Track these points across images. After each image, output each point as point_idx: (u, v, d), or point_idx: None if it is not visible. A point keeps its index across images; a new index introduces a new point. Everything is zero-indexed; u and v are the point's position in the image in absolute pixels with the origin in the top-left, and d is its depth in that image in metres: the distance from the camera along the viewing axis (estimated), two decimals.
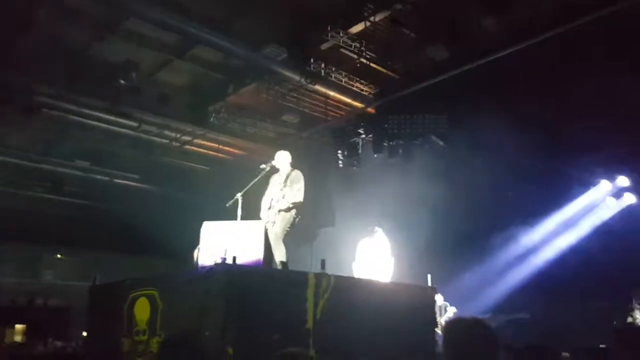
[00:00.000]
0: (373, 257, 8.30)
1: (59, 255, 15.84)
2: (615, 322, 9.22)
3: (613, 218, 10.64)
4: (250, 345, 4.57)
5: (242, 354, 4.53)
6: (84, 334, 8.02)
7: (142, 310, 5.38)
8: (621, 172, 10.60)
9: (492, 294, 11.17)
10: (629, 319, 9.21)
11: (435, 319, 6.83)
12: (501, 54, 8.37)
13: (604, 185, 10.83)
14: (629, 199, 10.68)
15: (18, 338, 12.90)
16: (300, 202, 6.40)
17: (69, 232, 13.69)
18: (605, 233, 10.23)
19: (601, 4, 7.25)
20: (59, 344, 12.19)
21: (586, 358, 7.53)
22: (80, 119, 10.46)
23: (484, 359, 2.05)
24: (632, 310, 9.18)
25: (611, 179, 10.74)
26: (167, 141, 11.96)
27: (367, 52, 9.20)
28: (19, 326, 13.25)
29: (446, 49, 8.32)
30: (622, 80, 7.58)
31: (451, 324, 2.17)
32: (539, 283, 10.52)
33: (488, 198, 10.29)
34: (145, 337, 5.22)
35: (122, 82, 9.18)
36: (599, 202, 10.89)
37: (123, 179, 13.45)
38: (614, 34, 7.65)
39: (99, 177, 13.13)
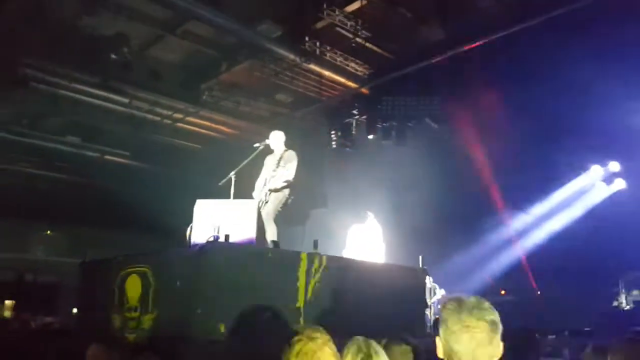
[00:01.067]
0: (364, 242, 8.33)
1: (48, 232, 15.77)
2: (600, 306, 9.37)
3: (603, 203, 10.74)
4: (241, 322, 4.59)
5: (233, 331, 4.55)
6: (74, 310, 8.02)
7: (133, 287, 5.37)
8: (612, 158, 10.67)
9: (480, 277, 11.30)
10: (614, 303, 9.36)
11: (425, 300, 6.89)
12: (496, 36, 8.32)
13: (595, 171, 10.90)
14: (619, 184, 10.77)
15: (7, 313, 12.91)
16: (291, 181, 6.38)
17: (59, 208, 13.60)
18: (594, 218, 10.33)
19: None
20: (47, 319, 12.20)
21: (571, 341, 7.65)
22: (71, 94, 10.29)
23: None
24: (618, 294, 9.33)
25: (602, 164, 10.82)
26: (159, 118, 11.83)
27: (363, 32, 9.11)
28: (8, 302, 13.25)
29: (442, 30, 8.27)
30: (619, 64, 7.58)
31: (449, 303, 2.17)
32: (527, 266, 10.65)
33: (479, 182, 10.33)
34: (137, 314, 5.22)
35: (113, 57, 9.04)
36: (590, 187, 10.98)
37: (114, 156, 13.33)
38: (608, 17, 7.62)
39: (89, 153, 12.98)
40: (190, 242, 5.54)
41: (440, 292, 9.83)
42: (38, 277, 14.85)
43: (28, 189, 13.24)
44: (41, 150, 12.64)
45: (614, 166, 10.74)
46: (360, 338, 2.63)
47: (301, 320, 5.12)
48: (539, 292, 10.74)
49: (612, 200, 10.62)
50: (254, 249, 5.45)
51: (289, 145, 6.76)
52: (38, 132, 12.15)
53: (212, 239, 4.95)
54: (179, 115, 11.83)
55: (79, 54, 9.30)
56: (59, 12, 8.52)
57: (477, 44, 8.54)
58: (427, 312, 7.24)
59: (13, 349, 5.49)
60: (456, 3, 8.12)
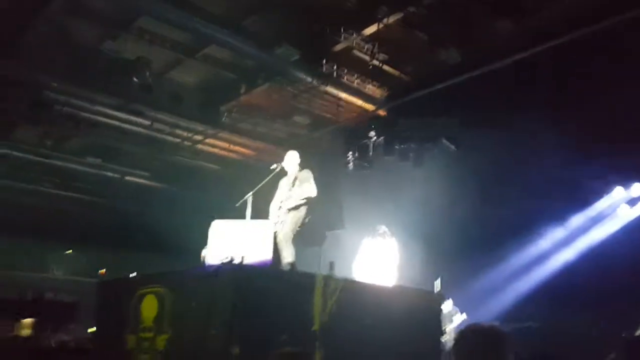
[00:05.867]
0: (376, 258, 8.23)
1: (68, 251, 15.95)
2: (624, 334, 9.08)
3: (626, 226, 10.50)
4: (256, 345, 4.55)
5: (248, 354, 4.51)
6: (92, 329, 8.06)
7: (149, 307, 5.38)
8: (636, 180, 10.46)
9: (501, 302, 11.07)
10: (639, 332, 9.07)
11: (440, 325, 6.77)
12: (514, 59, 8.30)
13: (618, 193, 10.69)
14: None
15: (27, 332, 12.99)
16: (312, 198, 6.35)
17: (78, 229, 13.78)
18: (617, 242, 10.10)
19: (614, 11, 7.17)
20: (65, 338, 12.26)
21: None
22: (92, 116, 10.51)
23: None
24: None
25: (626, 186, 10.61)
26: (179, 140, 11.99)
27: (380, 54, 9.16)
28: (27, 320, 13.34)
29: (459, 53, 8.28)
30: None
31: (467, 331, 2.15)
32: (549, 291, 10.41)
33: (499, 205, 10.20)
34: (152, 334, 5.22)
35: (135, 80, 9.22)
36: (613, 210, 10.75)
37: (134, 177, 13.51)
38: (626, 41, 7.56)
39: (109, 174, 13.20)
40: (205, 262, 5.55)
41: (461, 317, 9.64)
42: (57, 296, 14.97)
43: (49, 209, 13.45)
44: (63, 171, 12.89)
45: (638, 189, 10.52)
46: None
47: (317, 344, 5.07)
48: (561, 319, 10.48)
49: (636, 224, 10.38)
50: (270, 271, 5.44)
51: (304, 166, 6.77)
52: (60, 153, 12.42)
53: (227, 260, 4.95)
54: (198, 137, 11.97)
55: (101, 77, 9.51)
56: (82, 36, 8.75)
57: (494, 66, 8.52)
58: (443, 339, 7.08)
59: None
60: (473, 26, 8.14)
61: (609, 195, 10.73)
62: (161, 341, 5.11)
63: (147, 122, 11.01)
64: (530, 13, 7.64)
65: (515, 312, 10.76)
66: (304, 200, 6.34)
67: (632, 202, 10.67)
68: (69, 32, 8.54)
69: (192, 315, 4.91)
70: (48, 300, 14.62)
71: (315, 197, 6.38)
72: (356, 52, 9.08)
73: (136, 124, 11.03)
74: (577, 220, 10.83)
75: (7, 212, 12.28)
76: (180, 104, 10.57)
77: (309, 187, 6.37)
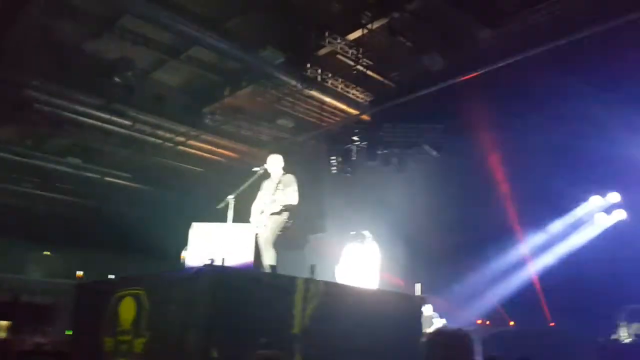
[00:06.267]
0: (359, 263, 8.23)
1: (46, 252, 15.70)
2: (599, 338, 9.22)
3: (603, 234, 10.69)
4: (235, 348, 4.53)
5: (227, 357, 4.48)
6: (69, 332, 7.94)
7: (127, 309, 5.33)
8: (612, 189, 10.67)
9: (482, 305, 11.19)
10: (614, 336, 9.22)
11: (421, 329, 6.79)
12: (496, 66, 8.42)
13: (595, 201, 10.88)
14: (620, 215, 10.74)
15: (2, 334, 12.75)
16: (295, 205, 6.37)
17: (57, 229, 13.58)
18: (594, 249, 10.28)
19: (594, 20, 7.32)
20: (42, 340, 12.05)
21: None
22: (73, 116, 10.37)
23: None
24: (618, 326, 9.20)
25: (602, 194, 10.81)
26: (161, 141, 11.90)
27: (364, 60, 9.22)
28: (3, 322, 13.08)
29: (442, 59, 8.36)
30: (619, 94, 7.65)
31: (434, 335, 2.22)
32: (526, 296, 10.55)
33: (478, 210, 10.32)
34: (129, 337, 5.16)
35: (117, 80, 9.13)
36: (589, 217, 10.95)
37: (114, 178, 13.37)
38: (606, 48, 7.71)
39: (90, 174, 13.03)
40: (185, 265, 5.51)
41: (440, 322, 9.69)
42: (34, 298, 14.73)
43: (27, 209, 13.24)
44: (42, 171, 12.69)
45: (614, 197, 10.73)
46: None
47: (297, 346, 5.06)
48: (549, 322, 10.60)
49: (613, 231, 10.58)
50: (250, 274, 5.42)
51: (288, 169, 6.77)
52: (40, 152, 12.23)
53: (208, 262, 4.93)
54: (180, 139, 11.90)
55: (83, 76, 9.41)
56: (63, 35, 8.64)
57: (476, 73, 8.63)
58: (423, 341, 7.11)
59: None
60: (456, 34, 8.23)
61: (586, 202, 10.92)
62: (139, 344, 5.06)
63: (128, 123, 10.90)
64: (511, 20, 7.75)
65: (495, 316, 10.89)
66: (286, 207, 6.35)
67: (608, 210, 10.88)
68: (50, 30, 8.43)
69: (170, 317, 4.87)
70: (24, 303, 14.37)
71: (297, 205, 6.39)
72: (340, 57, 9.13)
73: (118, 124, 10.91)
74: (555, 226, 11.00)
75: None
76: (163, 105, 10.49)
77: (292, 194, 6.39)
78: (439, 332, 2.11)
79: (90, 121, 10.62)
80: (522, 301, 10.69)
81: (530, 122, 8.79)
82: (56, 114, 10.25)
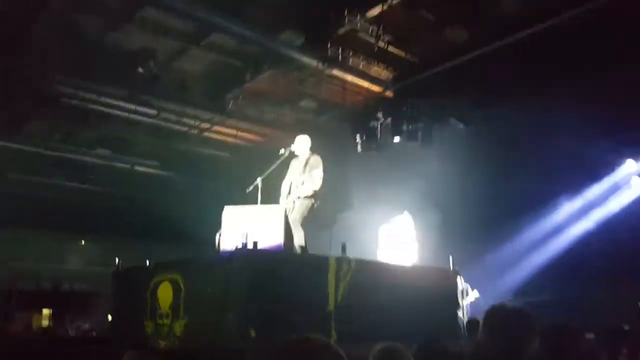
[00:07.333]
0: (396, 241, 8.28)
1: (82, 242, 16.13)
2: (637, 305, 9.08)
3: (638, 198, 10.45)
4: (272, 327, 4.63)
5: (264, 336, 4.59)
6: (109, 318, 8.20)
7: (165, 294, 5.47)
8: None
9: (516, 275, 11.09)
10: None
11: (457, 301, 6.81)
12: (523, 34, 8.21)
13: (630, 165, 10.63)
14: None
15: (45, 322, 13.25)
16: (317, 190, 6.42)
17: (92, 220, 13.91)
18: (632, 214, 10.07)
19: None
20: (84, 326, 12.48)
21: (610, 339, 7.44)
22: (100, 108, 10.55)
23: (523, 344, 2.17)
24: None
25: (637, 158, 10.54)
26: (186, 129, 12.03)
27: (385, 36, 9.10)
28: (45, 311, 13.59)
29: (465, 31, 8.20)
30: None
31: (495, 310, 2.28)
32: (563, 264, 10.41)
33: (512, 179, 10.16)
34: (169, 321, 5.31)
35: (140, 70, 9.24)
36: (625, 182, 10.70)
37: (144, 167, 13.61)
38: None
39: (120, 165, 13.31)
40: (219, 248, 5.62)
41: (473, 294, 9.67)
42: (73, 286, 15.20)
43: (62, 201, 13.58)
44: (73, 163, 12.99)
45: None
46: (385, 344, 2.59)
47: (332, 324, 5.14)
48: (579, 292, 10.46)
49: None
50: (283, 255, 5.49)
51: (314, 150, 6.79)
52: (70, 146, 12.52)
53: (240, 245, 5.01)
54: (205, 125, 12.01)
55: (107, 69, 9.54)
56: (85, 28, 8.75)
57: (503, 43, 8.43)
58: (460, 314, 7.14)
59: (52, 356, 5.64)
60: (478, 4, 8.04)
61: (620, 167, 10.67)
62: (178, 327, 5.21)
63: (154, 112, 11.04)
64: None
65: (530, 286, 10.79)
66: (311, 192, 6.41)
67: None
68: (73, 24, 8.54)
69: (207, 300, 4.99)
70: (64, 291, 14.85)
71: (320, 190, 6.44)
72: (361, 35, 9.02)
73: (143, 114, 11.06)
74: (590, 192, 10.79)
75: (22, 205, 12.41)
76: (187, 93, 10.58)
77: (316, 178, 6.44)
78: (500, 307, 2.17)
79: (117, 112, 10.79)
80: (557, 269, 10.54)
81: (560, 90, 8.58)
82: (82, 107, 10.44)
